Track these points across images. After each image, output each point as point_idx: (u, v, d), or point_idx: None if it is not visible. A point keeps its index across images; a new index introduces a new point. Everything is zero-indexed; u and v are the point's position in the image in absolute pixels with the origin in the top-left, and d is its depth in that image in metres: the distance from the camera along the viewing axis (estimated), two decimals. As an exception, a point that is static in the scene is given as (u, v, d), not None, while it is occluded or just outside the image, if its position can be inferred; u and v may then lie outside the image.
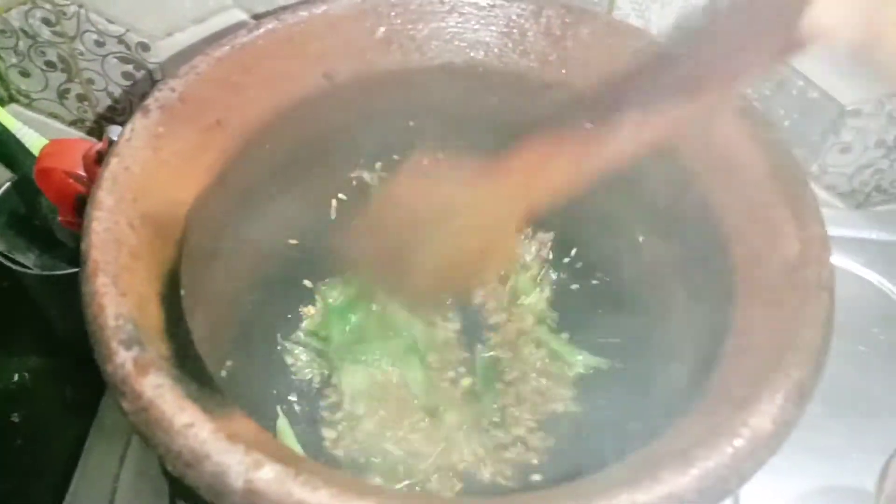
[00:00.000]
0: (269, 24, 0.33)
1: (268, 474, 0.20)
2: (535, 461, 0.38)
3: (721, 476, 0.22)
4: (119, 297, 0.23)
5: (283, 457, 0.21)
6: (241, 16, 0.46)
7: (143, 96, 0.51)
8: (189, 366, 0.24)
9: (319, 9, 0.34)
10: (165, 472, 0.27)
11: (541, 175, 0.30)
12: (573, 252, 0.42)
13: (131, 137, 0.28)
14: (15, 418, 0.50)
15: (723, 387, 0.26)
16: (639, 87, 0.29)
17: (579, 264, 0.41)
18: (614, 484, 0.21)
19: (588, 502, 0.21)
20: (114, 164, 0.27)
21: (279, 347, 0.41)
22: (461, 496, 0.36)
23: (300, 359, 0.41)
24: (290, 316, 0.42)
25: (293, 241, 0.41)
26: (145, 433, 0.22)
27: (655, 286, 0.36)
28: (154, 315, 0.25)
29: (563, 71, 0.36)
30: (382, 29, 0.35)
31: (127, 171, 0.27)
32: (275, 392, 0.39)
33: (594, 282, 0.41)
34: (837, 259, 0.27)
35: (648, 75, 0.30)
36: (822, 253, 0.27)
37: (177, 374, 0.22)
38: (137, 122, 0.28)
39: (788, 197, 0.29)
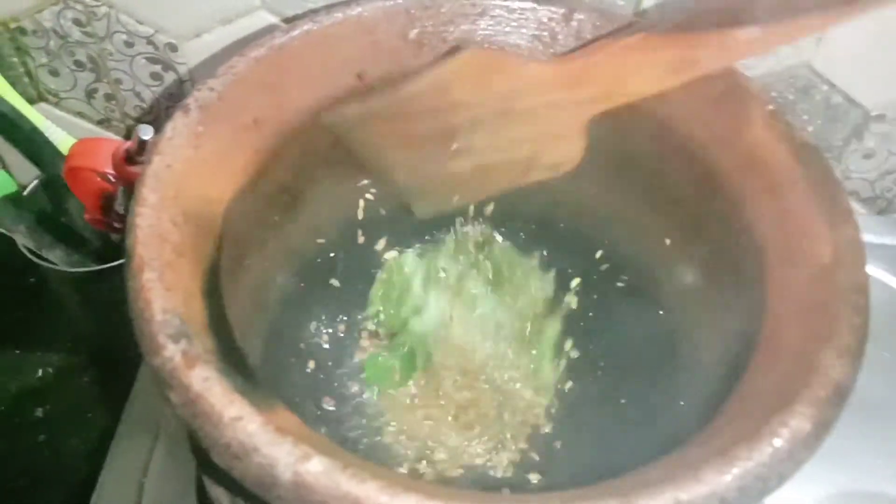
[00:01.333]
0: (305, 26, 0.33)
1: (316, 467, 0.21)
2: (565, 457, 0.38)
3: (761, 475, 0.22)
4: (165, 292, 0.24)
5: (329, 450, 0.21)
6: (268, 17, 0.47)
7: (171, 97, 0.52)
8: (233, 360, 0.24)
9: (354, 11, 0.34)
10: (200, 464, 0.27)
11: (618, 79, 0.29)
12: (599, 254, 0.42)
13: (173, 136, 0.28)
14: (39, 413, 0.51)
15: (756, 388, 0.26)
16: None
17: (605, 266, 0.41)
18: (656, 482, 0.21)
19: (630, 500, 0.21)
20: (156, 161, 0.28)
21: (302, 346, 0.41)
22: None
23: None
24: (316, 315, 0.42)
25: (321, 241, 0.41)
26: (193, 426, 0.22)
27: (684, 288, 0.36)
28: (198, 310, 0.25)
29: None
30: (414, 31, 0.36)
31: (169, 169, 0.28)
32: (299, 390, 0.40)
33: (620, 284, 0.42)
34: (861, 264, 0.27)
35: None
36: (856, 255, 0.27)
37: (223, 367, 0.23)
38: (179, 121, 0.29)
39: (821, 199, 0.30)
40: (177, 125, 0.29)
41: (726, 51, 0.29)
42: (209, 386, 0.22)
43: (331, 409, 0.40)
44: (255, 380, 0.24)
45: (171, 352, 0.23)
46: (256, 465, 0.21)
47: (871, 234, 0.53)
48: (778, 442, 0.22)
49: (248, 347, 0.34)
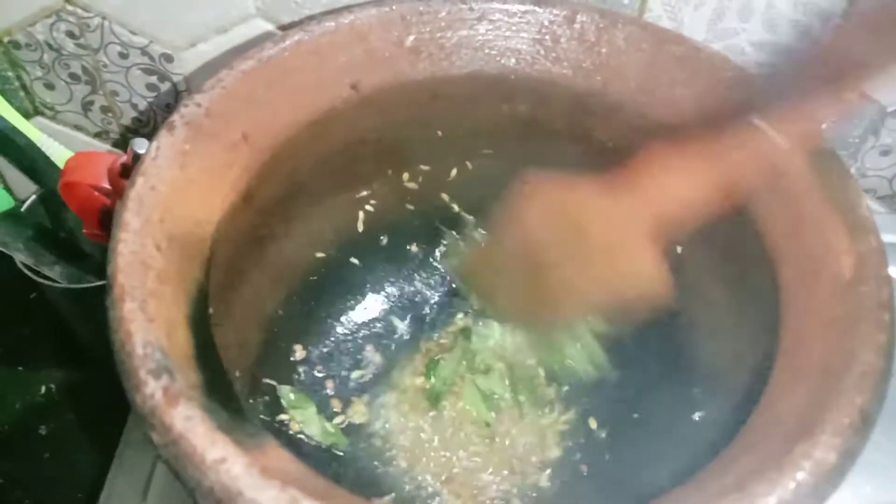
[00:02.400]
0: (296, 37, 0.32)
1: (304, 512, 0.19)
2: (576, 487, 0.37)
3: (782, 512, 0.20)
4: (147, 324, 0.23)
5: (320, 492, 0.20)
6: (264, 25, 0.45)
7: (168, 108, 0.51)
8: (220, 393, 0.23)
9: (346, 19, 0.33)
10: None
11: (669, 189, 0.28)
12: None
13: (157, 156, 0.27)
14: (42, 431, 0.50)
15: (776, 412, 0.25)
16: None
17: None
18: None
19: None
20: (140, 183, 0.26)
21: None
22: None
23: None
24: (316, 329, 0.41)
25: (320, 255, 0.40)
26: (175, 468, 0.21)
27: (696, 301, 0.34)
28: (183, 340, 0.24)
29: (598, 78, 0.35)
30: (411, 38, 0.34)
31: (153, 191, 0.26)
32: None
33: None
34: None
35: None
36: (879, 268, 0.26)
37: (207, 403, 0.22)
38: (163, 140, 0.28)
39: (839, 206, 0.28)
40: (161, 144, 0.28)
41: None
42: (192, 426, 0.21)
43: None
44: (244, 414, 0.23)
45: (152, 388, 0.21)
46: (241, 510, 0.20)
47: (889, 233, 0.51)
48: (801, 475, 0.21)
49: (241, 369, 0.33)
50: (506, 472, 0.38)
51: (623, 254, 0.29)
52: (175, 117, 0.29)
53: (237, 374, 0.30)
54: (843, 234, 0.27)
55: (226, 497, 0.20)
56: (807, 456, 0.21)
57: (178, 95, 0.50)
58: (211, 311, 0.28)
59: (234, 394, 0.24)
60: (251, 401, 0.33)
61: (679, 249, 0.37)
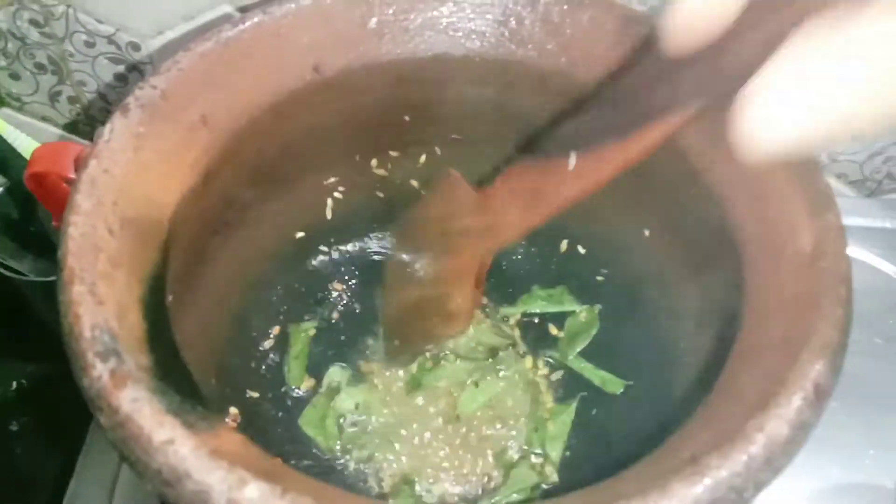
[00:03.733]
0: (256, 18, 0.32)
1: (252, 493, 0.19)
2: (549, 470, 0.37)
3: (735, 486, 0.20)
4: (96, 307, 0.22)
5: (271, 473, 0.20)
6: (233, 12, 0.45)
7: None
8: (172, 376, 0.22)
9: (308, 0, 0.33)
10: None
11: (505, 216, 0.29)
12: (577, 247, 0.41)
13: (110, 138, 0.27)
14: (13, 426, 0.49)
15: (733, 388, 0.25)
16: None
17: (582, 259, 0.40)
18: (621, 496, 0.20)
19: (593, 516, 0.19)
20: (92, 166, 0.26)
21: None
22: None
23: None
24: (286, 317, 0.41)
25: (288, 241, 0.40)
26: (123, 450, 0.20)
27: (662, 282, 0.34)
28: (135, 324, 0.23)
29: (563, 59, 0.35)
30: (374, 20, 0.34)
31: (106, 174, 0.26)
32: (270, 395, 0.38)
33: (598, 278, 0.40)
34: (850, 249, 0.25)
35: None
36: (838, 244, 0.25)
37: (157, 385, 0.21)
38: (117, 122, 0.27)
39: (800, 185, 0.28)
40: (115, 127, 0.27)
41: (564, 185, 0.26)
42: (139, 407, 0.20)
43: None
44: (198, 396, 0.23)
45: (100, 371, 0.21)
46: (189, 492, 0.19)
47: (861, 217, 0.51)
48: (753, 449, 0.21)
49: (206, 354, 0.32)
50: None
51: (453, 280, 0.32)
52: (130, 99, 0.28)
53: (200, 359, 0.30)
54: (804, 210, 0.27)
55: (173, 478, 0.19)
56: (759, 428, 0.21)
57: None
58: (171, 297, 0.28)
59: (188, 377, 0.24)
60: (216, 385, 0.33)
61: (646, 233, 0.37)
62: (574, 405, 0.38)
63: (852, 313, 0.25)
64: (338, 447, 0.37)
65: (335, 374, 0.39)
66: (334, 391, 0.39)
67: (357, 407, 0.38)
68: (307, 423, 0.38)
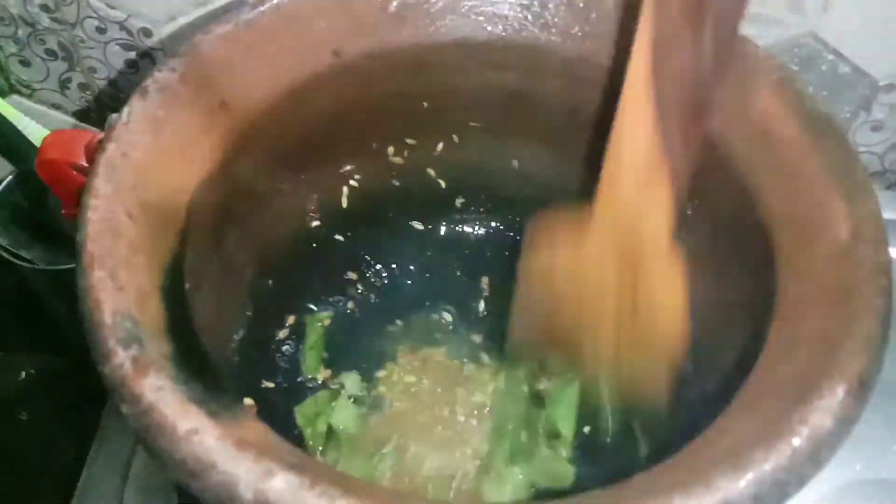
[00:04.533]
0: (275, 1, 0.31)
1: (279, 484, 0.18)
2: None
3: (779, 480, 0.20)
4: (116, 292, 0.22)
5: (297, 464, 0.19)
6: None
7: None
8: (194, 364, 0.22)
9: (327, -17, 0.32)
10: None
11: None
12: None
13: (129, 121, 0.26)
14: (22, 416, 0.49)
15: (771, 381, 0.24)
16: None
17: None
18: (663, 489, 0.19)
19: (634, 510, 0.19)
20: (111, 150, 0.25)
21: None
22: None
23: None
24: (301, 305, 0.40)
25: (304, 230, 0.39)
26: (146, 439, 0.20)
27: (690, 269, 0.33)
28: (155, 310, 0.23)
29: (587, 44, 0.34)
30: (395, 3, 0.33)
31: (125, 158, 0.25)
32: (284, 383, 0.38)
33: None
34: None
35: None
36: (877, 231, 0.25)
37: (180, 374, 0.21)
38: (135, 105, 0.27)
39: (836, 172, 0.27)
40: (133, 109, 0.26)
41: None
42: (162, 395, 0.20)
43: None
44: (220, 384, 0.22)
45: (122, 358, 0.20)
46: (215, 483, 0.19)
47: (882, 209, 0.50)
48: (797, 441, 0.20)
49: (222, 341, 0.32)
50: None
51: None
52: (148, 82, 0.28)
53: (217, 348, 0.29)
54: (841, 198, 0.26)
55: (198, 469, 0.19)
56: (803, 421, 0.20)
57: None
58: (188, 284, 0.27)
59: (210, 365, 0.23)
60: (234, 373, 0.32)
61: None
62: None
63: (892, 305, 0.24)
64: (319, 449, 0.37)
65: (349, 382, 0.39)
66: (335, 395, 0.38)
67: (348, 426, 0.37)
68: (302, 412, 0.37)
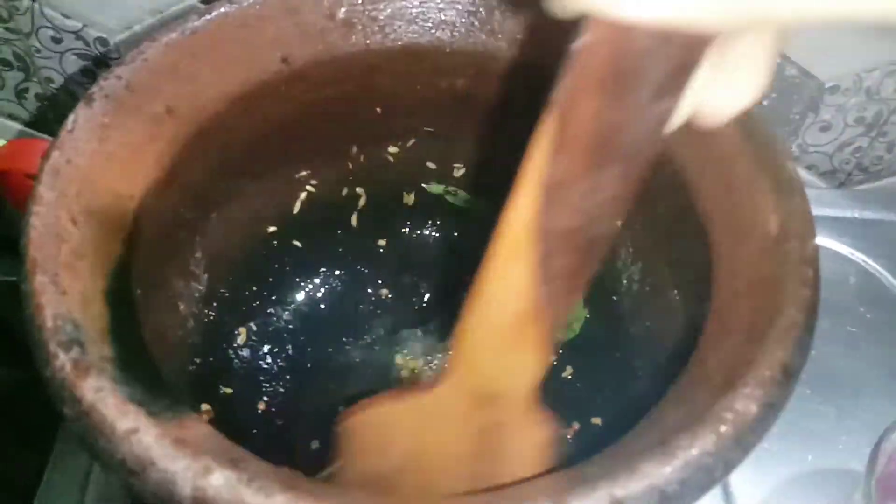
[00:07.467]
0: (222, 8, 0.31)
1: (218, 480, 0.19)
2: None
3: (705, 465, 0.20)
4: (58, 297, 0.22)
5: (236, 461, 0.20)
6: (201, 7, 0.45)
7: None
8: (137, 368, 0.22)
9: (275, -9, 0.32)
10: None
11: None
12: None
13: (74, 129, 0.26)
14: (-21, 431, 0.48)
15: (702, 370, 0.25)
16: None
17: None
18: (590, 478, 0.20)
19: (562, 499, 0.19)
20: (55, 157, 0.26)
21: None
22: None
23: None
24: (258, 313, 0.40)
25: (261, 236, 0.40)
26: (87, 440, 0.20)
27: (630, 264, 0.34)
28: (99, 315, 0.23)
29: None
30: (343, 10, 0.34)
31: (69, 164, 0.26)
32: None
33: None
34: (821, 239, 0.26)
35: None
36: (804, 226, 0.26)
37: (121, 376, 0.21)
38: (80, 113, 0.27)
39: (767, 169, 0.28)
40: (78, 117, 0.27)
41: None
42: (102, 397, 0.20)
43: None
44: (163, 387, 0.22)
45: (62, 361, 0.21)
46: (154, 480, 0.19)
47: (832, 208, 0.52)
48: (723, 427, 0.21)
49: (177, 348, 0.32)
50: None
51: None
52: (94, 89, 0.28)
53: (172, 354, 0.30)
54: (771, 194, 0.27)
55: (137, 467, 0.19)
56: (728, 408, 0.21)
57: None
58: (139, 291, 0.27)
59: (154, 369, 0.23)
60: (191, 379, 0.32)
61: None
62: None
63: (819, 295, 0.25)
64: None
65: None
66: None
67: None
68: None
